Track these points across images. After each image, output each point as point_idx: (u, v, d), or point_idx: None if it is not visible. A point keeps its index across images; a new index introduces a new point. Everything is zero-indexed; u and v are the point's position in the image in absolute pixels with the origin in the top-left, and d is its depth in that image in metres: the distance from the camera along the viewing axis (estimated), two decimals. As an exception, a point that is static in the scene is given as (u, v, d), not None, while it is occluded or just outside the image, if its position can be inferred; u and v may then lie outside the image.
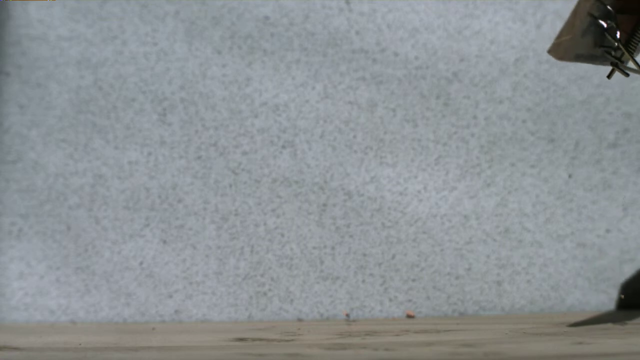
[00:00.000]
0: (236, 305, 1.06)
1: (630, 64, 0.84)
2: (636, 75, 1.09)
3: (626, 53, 0.82)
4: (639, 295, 1.06)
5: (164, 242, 1.07)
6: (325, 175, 1.08)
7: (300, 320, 1.06)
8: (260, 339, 0.86)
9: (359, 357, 0.74)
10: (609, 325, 0.91)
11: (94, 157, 1.07)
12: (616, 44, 0.82)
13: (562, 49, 0.82)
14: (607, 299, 1.07)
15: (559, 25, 1.08)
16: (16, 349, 0.81)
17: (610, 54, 0.83)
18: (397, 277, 1.07)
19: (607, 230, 1.08)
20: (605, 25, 0.82)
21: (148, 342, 0.85)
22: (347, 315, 1.03)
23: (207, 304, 1.06)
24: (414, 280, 1.07)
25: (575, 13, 0.81)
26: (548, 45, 1.08)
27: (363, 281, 1.07)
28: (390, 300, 1.07)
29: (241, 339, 0.87)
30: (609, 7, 0.81)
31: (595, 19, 0.82)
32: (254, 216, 1.07)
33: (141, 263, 1.07)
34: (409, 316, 1.06)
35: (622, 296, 0.82)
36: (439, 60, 1.08)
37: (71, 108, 1.08)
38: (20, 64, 1.08)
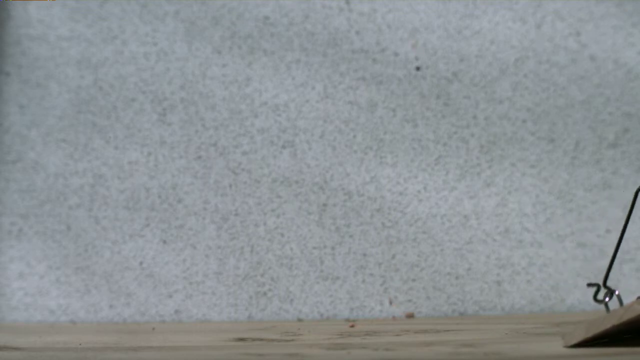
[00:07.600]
0: (236, 305, 1.07)
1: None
2: (636, 74, 1.09)
3: None
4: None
5: (164, 242, 1.07)
6: (325, 175, 1.08)
7: (300, 320, 1.06)
8: (260, 339, 0.86)
9: (359, 357, 0.74)
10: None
11: (94, 157, 1.07)
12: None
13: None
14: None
15: (559, 25, 1.08)
16: (16, 349, 0.81)
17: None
18: (397, 277, 1.07)
19: (607, 230, 1.08)
20: None
21: (148, 342, 0.86)
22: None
23: (207, 304, 1.06)
24: (414, 280, 1.07)
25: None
26: (548, 45, 1.09)
27: (363, 281, 1.07)
28: (391, 300, 1.07)
29: (241, 339, 0.87)
30: None
31: None
32: (254, 216, 1.07)
33: (141, 263, 1.07)
34: (408, 316, 1.06)
35: None
36: (439, 60, 1.08)
37: (71, 108, 1.08)
38: (20, 64, 1.08)
